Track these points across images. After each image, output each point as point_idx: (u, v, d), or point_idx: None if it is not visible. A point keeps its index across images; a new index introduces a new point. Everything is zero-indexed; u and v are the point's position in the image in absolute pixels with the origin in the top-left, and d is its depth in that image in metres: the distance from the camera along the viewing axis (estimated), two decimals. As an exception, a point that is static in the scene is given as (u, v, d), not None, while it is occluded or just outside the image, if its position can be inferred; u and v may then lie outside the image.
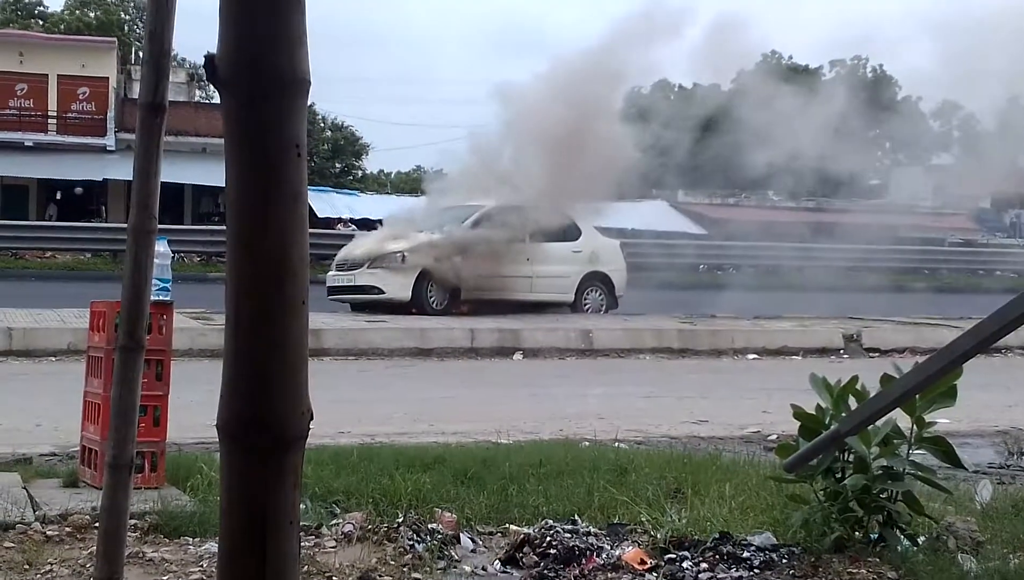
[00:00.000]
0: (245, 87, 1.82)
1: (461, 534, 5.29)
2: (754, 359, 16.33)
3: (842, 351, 17.05)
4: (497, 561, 5.02)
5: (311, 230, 1.94)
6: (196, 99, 50.19)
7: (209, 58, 1.85)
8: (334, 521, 5.35)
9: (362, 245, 20.15)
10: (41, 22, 58.58)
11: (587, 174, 19.35)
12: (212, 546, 4.88)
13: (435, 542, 5.03)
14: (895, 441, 4.99)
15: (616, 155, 19.58)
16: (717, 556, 4.91)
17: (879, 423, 4.80)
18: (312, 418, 1.91)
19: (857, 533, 5.05)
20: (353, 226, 38.90)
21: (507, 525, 5.55)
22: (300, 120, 1.85)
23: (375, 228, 24.00)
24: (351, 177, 62.73)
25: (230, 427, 1.86)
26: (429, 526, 5.24)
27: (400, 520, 5.26)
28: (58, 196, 44.34)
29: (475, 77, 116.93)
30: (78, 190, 43.81)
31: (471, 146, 21.75)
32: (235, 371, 1.85)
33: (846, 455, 5.05)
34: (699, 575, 4.75)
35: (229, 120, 1.85)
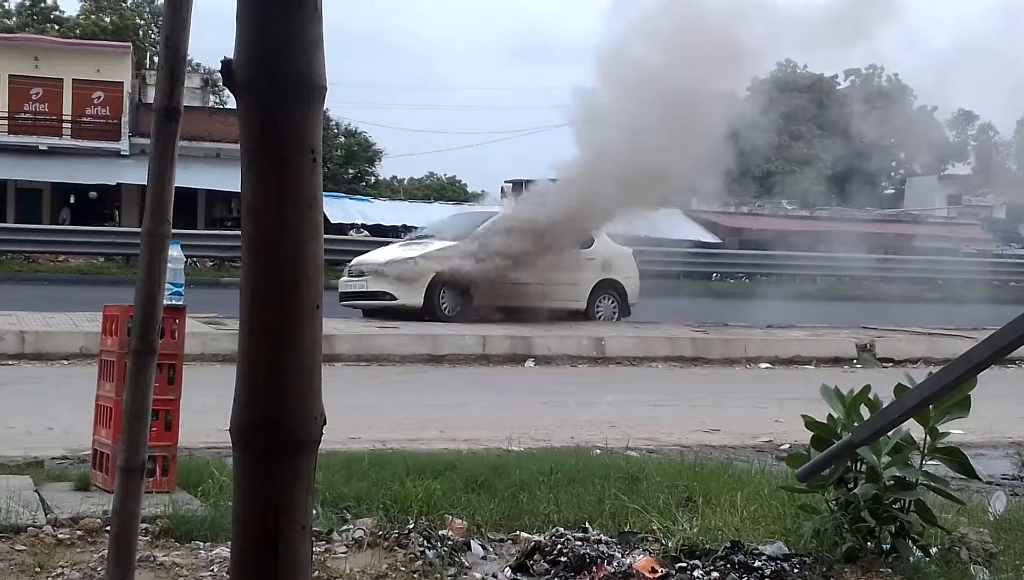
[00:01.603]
0: (262, 92, 1.82)
1: (471, 541, 5.28)
2: (767, 368, 16.30)
3: (855, 361, 17.00)
4: (508, 568, 5.01)
5: (324, 236, 1.94)
6: (210, 104, 50.37)
7: (226, 63, 1.86)
8: (345, 527, 5.34)
9: (380, 254, 20.14)
10: (57, 26, 58.83)
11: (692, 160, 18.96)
12: (223, 550, 4.88)
13: (445, 549, 5.02)
14: (907, 451, 4.97)
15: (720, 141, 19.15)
16: (728, 565, 4.90)
17: (890, 433, 4.79)
18: (325, 422, 1.91)
19: (869, 543, 5.03)
20: (366, 233, 38.98)
21: (518, 532, 5.54)
22: (316, 126, 1.85)
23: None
24: (364, 183, 62.86)
25: (244, 430, 1.86)
26: (440, 532, 5.24)
27: (411, 526, 5.25)
28: (72, 200, 44.51)
29: (489, 84, 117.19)
30: (92, 194, 43.97)
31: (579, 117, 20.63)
32: (249, 375, 1.85)
33: (858, 465, 5.04)
34: (710, 584, 4.74)
35: (245, 125, 1.85)
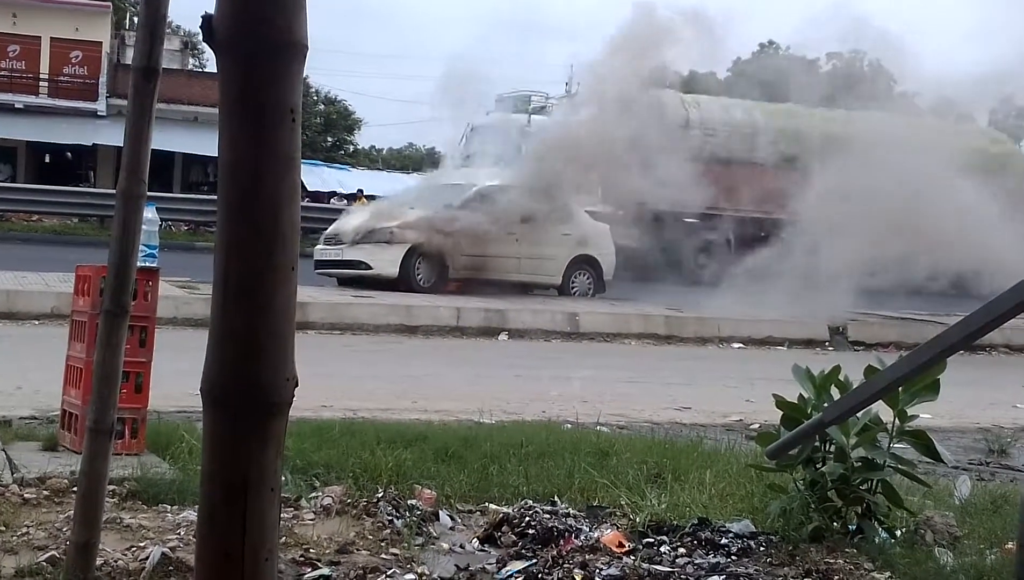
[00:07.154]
0: (242, 49, 1.80)
1: (440, 511, 5.30)
2: (739, 348, 16.37)
3: (827, 343, 17.12)
4: (475, 539, 5.02)
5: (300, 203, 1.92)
6: (189, 67, 49.96)
7: (207, 19, 1.84)
8: (313, 494, 5.34)
9: (353, 220, 20.09)
10: (36, -16, 58.18)
11: None
12: (190, 514, 4.87)
13: (414, 518, 5.03)
14: (875, 432, 5.00)
15: None
16: (695, 541, 4.92)
17: (859, 414, 4.81)
18: (297, 385, 1.90)
19: (835, 523, 5.07)
20: (345, 201, 38.83)
21: (486, 504, 5.56)
22: (296, 85, 1.83)
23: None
24: (342, 152, 62.61)
25: (215, 391, 1.85)
26: (408, 502, 5.25)
27: (380, 495, 5.26)
28: (47, 159, 44.15)
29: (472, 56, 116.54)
30: (68, 154, 43.65)
31: None
32: (221, 335, 1.84)
33: (827, 446, 5.07)
34: (676, 559, 4.76)
35: (225, 83, 1.83)
